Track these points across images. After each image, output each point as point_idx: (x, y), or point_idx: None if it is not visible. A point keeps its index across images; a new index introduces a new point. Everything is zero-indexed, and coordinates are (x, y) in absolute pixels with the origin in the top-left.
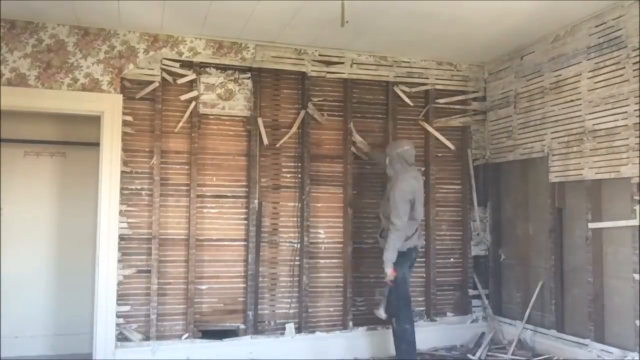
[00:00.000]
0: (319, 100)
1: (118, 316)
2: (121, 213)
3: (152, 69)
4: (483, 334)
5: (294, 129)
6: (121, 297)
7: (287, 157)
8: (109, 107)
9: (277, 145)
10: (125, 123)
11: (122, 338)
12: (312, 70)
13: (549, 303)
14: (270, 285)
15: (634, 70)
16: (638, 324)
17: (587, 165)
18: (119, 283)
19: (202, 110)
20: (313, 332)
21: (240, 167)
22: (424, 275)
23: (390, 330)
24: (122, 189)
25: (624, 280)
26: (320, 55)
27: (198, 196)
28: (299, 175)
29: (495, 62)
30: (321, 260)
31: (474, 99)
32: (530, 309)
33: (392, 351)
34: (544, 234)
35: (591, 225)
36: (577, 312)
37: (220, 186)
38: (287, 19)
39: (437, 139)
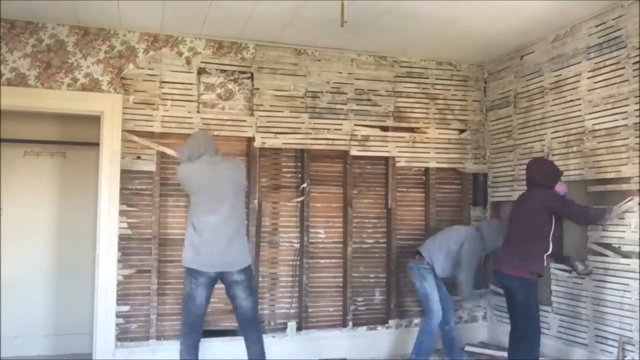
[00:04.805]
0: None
1: (118, 316)
2: (121, 213)
3: (152, 69)
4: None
5: None
6: (121, 297)
7: (287, 157)
8: (109, 107)
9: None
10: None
11: (122, 338)
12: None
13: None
14: (270, 285)
15: (634, 70)
16: (638, 324)
17: (587, 165)
18: (119, 283)
19: (202, 109)
20: (313, 331)
21: None
22: None
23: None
24: (122, 189)
25: (622, 280)
26: (320, 55)
27: None
28: (299, 175)
29: (495, 62)
30: (321, 260)
31: (474, 99)
32: None
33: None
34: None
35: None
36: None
37: None
38: (287, 19)
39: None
